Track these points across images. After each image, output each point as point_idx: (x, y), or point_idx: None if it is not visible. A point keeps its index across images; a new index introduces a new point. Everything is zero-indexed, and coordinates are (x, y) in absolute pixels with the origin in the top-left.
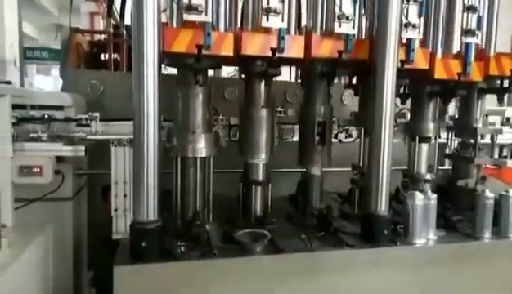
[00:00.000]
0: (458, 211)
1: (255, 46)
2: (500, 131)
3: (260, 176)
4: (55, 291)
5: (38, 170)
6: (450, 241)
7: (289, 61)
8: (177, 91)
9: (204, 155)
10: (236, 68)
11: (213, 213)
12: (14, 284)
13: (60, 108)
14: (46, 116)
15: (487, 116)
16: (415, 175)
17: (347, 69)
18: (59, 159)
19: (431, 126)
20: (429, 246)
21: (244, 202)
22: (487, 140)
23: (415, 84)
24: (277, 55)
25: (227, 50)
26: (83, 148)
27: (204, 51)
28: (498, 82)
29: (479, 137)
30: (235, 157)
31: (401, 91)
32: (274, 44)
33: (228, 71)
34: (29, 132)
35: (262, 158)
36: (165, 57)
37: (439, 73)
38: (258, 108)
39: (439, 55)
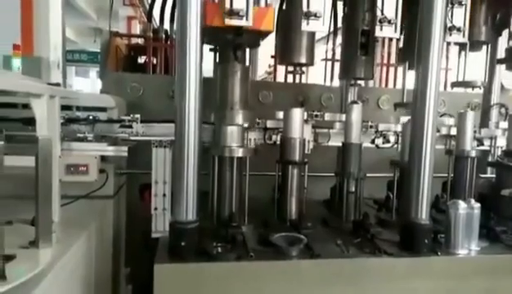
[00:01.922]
0: (502, 222)
1: None
2: None
3: (295, 183)
4: (96, 287)
5: (85, 168)
6: (493, 252)
7: None
8: (216, 71)
9: (240, 155)
10: (268, 70)
11: (248, 215)
12: (62, 278)
13: (103, 109)
14: (90, 117)
15: None
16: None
17: None
18: (102, 159)
19: (483, 29)
20: (472, 256)
21: (280, 205)
22: None
23: None
24: None
25: (267, 25)
26: (126, 148)
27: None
28: None
29: None
30: (271, 159)
31: None
32: None
33: (259, 75)
34: (75, 132)
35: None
36: (206, 34)
37: None
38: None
39: None
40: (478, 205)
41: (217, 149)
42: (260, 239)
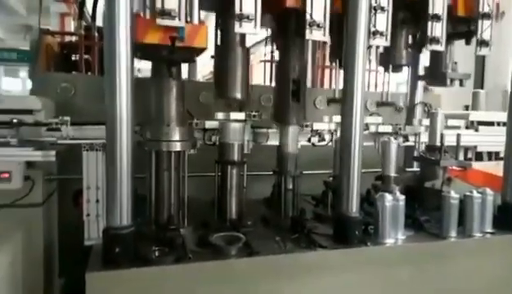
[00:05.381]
0: (425, 212)
1: None
2: (468, 77)
3: (234, 182)
4: None
5: (7, 175)
6: (417, 240)
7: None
8: (150, 85)
9: (178, 149)
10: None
11: (189, 217)
12: None
13: (29, 112)
14: (14, 120)
15: (456, 63)
16: None
17: None
18: (29, 165)
19: (404, 53)
20: (398, 245)
21: (220, 205)
22: (453, 143)
23: None
24: None
25: (201, 42)
26: (54, 152)
27: (177, 43)
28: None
29: (449, 82)
30: (210, 160)
31: None
32: None
33: (203, 74)
34: None
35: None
36: (138, 50)
37: None
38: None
39: None
40: (402, 197)
41: (154, 143)
42: (200, 240)
